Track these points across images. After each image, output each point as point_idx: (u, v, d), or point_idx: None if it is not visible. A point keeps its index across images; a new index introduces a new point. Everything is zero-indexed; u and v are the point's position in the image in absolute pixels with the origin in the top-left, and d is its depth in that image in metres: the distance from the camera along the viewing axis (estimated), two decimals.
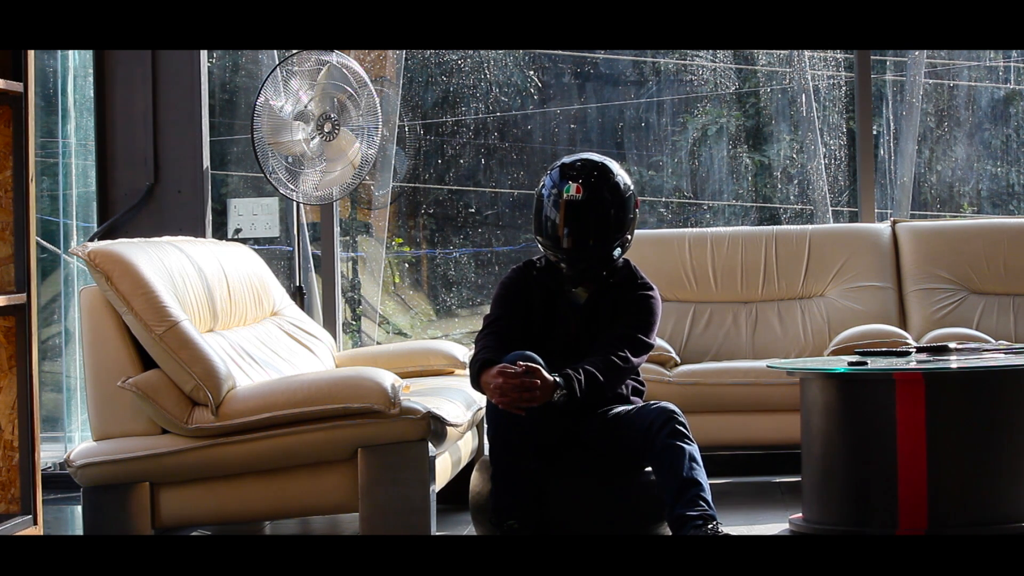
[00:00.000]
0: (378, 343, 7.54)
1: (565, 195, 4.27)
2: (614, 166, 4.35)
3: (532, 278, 4.40)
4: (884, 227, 6.11)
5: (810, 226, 6.19)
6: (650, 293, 4.39)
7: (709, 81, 7.77)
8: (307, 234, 6.71)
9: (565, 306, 4.37)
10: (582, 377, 4.12)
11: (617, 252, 4.34)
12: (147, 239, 4.68)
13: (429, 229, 7.89)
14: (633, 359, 4.27)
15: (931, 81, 7.79)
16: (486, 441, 4.36)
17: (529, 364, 4.07)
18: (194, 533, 4.67)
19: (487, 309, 4.43)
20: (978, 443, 4.45)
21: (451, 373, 5.42)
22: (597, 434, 4.31)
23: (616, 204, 4.29)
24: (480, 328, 4.35)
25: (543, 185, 4.34)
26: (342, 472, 4.28)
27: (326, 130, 5.66)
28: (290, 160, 5.71)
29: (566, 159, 4.37)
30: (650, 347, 4.34)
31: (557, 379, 4.09)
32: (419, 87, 7.67)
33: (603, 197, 4.27)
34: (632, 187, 4.37)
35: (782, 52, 7.69)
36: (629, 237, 4.36)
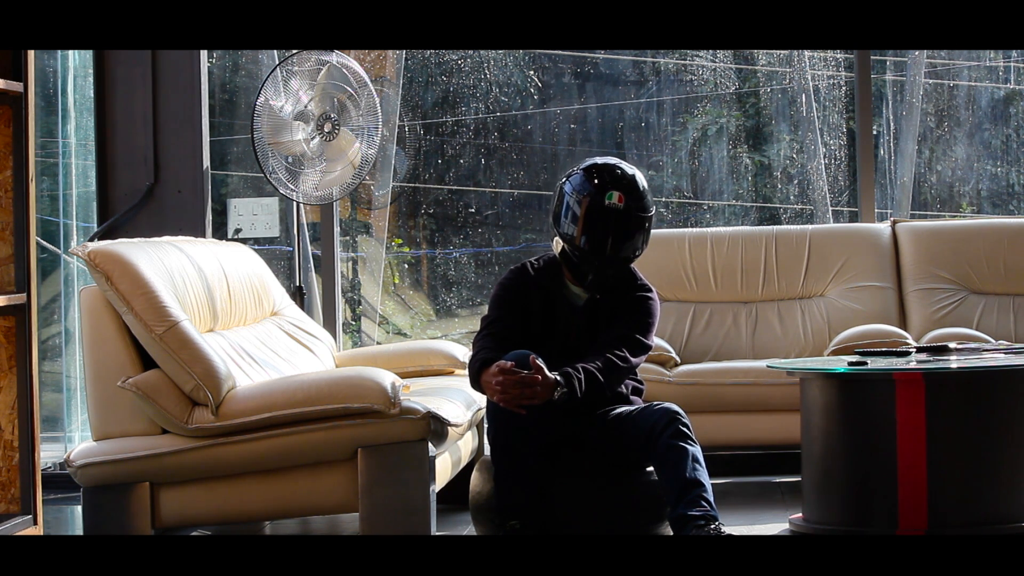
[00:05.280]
0: (378, 343, 7.54)
1: (607, 202, 4.26)
2: (643, 180, 4.35)
3: (530, 279, 4.39)
4: (884, 227, 6.11)
5: (810, 226, 6.19)
6: (649, 295, 4.39)
7: (709, 81, 7.77)
8: (307, 234, 6.71)
9: (564, 307, 4.37)
10: (582, 376, 4.12)
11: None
12: (147, 239, 4.67)
13: (429, 229, 7.89)
14: (632, 359, 4.27)
15: (931, 81, 7.79)
16: (486, 441, 4.36)
17: (532, 361, 4.07)
18: (194, 533, 4.67)
19: (487, 309, 4.42)
20: (978, 443, 4.45)
21: (451, 373, 5.42)
22: (599, 434, 4.31)
23: (648, 218, 4.30)
24: (478, 330, 4.35)
25: (574, 186, 4.30)
26: (342, 472, 4.28)
27: (326, 130, 5.66)
28: (290, 160, 5.71)
29: (599, 161, 4.34)
30: (648, 348, 4.34)
31: (557, 377, 4.09)
32: (419, 87, 7.67)
33: (640, 209, 4.28)
34: (653, 201, 4.38)
35: (782, 52, 7.69)
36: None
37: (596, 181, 4.27)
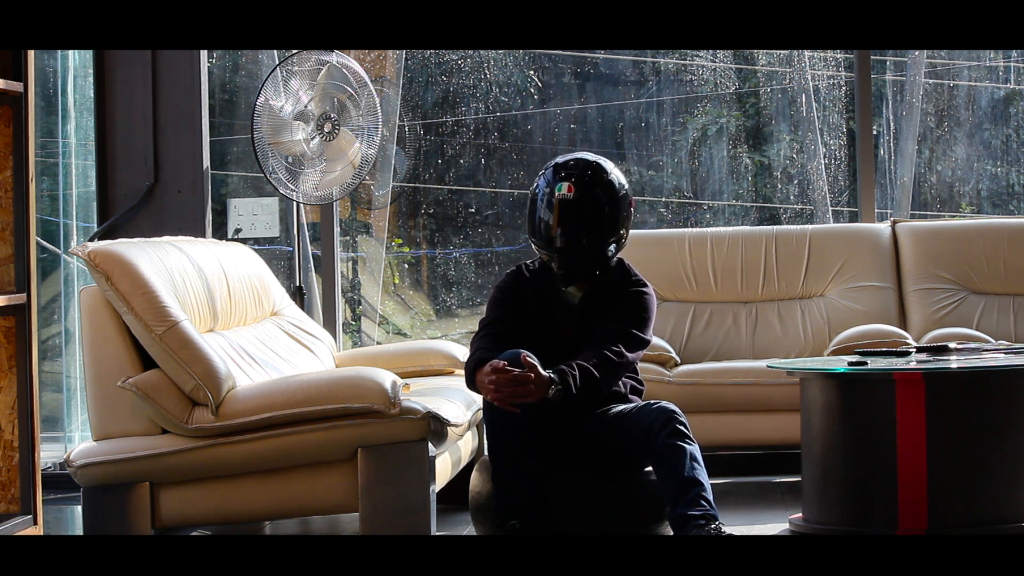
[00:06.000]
0: (378, 343, 7.54)
1: (557, 194, 4.27)
2: (607, 164, 4.35)
3: (526, 280, 4.40)
4: (884, 227, 6.11)
5: (810, 226, 6.19)
6: (644, 289, 4.38)
7: (709, 81, 7.77)
8: (307, 234, 6.71)
9: (560, 307, 4.37)
10: (576, 372, 4.12)
11: (612, 249, 4.33)
12: (147, 239, 4.67)
13: (429, 229, 7.89)
14: (628, 354, 4.26)
15: (931, 81, 7.79)
16: (486, 441, 4.36)
17: (525, 359, 4.07)
18: (194, 533, 4.67)
19: (484, 312, 4.43)
20: (978, 443, 4.45)
21: (451, 373, 5.42)
22: (597, 434, 4.31)
23: (609, 203, 4.29)
24: (475, 331, 4.35)
25: (536, 186, 4.35)
26: (342, 472, 4.28)
27: (326, 130, 5.66)
28: (290, 160, 5.71)
29: (559, 159, 4.37)
30: (645, 343, 4.33)
31: (551, 375, 4.08)
32: (419, 87, 7.67)
33: (596, 195, 4.27)
34: (626, 186, 4.36)
35: (782, 52, 7.69)
36: (624, 235, 4.36)
37: (550, 178, 4.30)
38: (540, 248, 4.32)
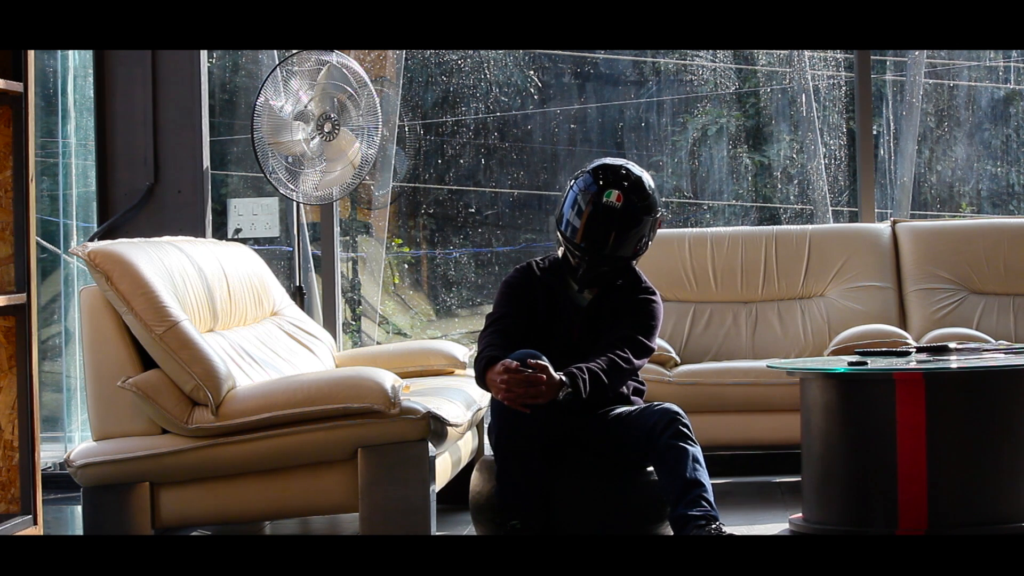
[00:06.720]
0: (378, 343, 7.54)
1: (605, 199, 4.27)
2: (650, 182, 4.36)
3: (536, 278, 4.40)
4: (884, 227, 6.11)
5: (810, 226, 6.19)
6: (653, 298, 4.40)
7: (709, 81, 7.77)
8: (307, 234, 6.71)
9: (568, 307, 4.38)
10: (587, 376, 4.13)
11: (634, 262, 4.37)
12: (147, 239, 4.67)
13: (429, 229, 7.89)
14: (635, 361, 4.28)
15: (931, 81, 7.79)
16: (486, 441, 4.36)
17: (537, 362, 4.08)
18: (194, 533, 4.67)
19: (487, 309, 4.43)
20: (978, 443, 4.45)
21: (451, 373, 5.42)
22: (600, 434, 4.31)
23: (647, 220, 4.30)
24: (483, 326, 4.36)
25: (578, 182, 4.34)
26: (342, 472, 4.28)
27: (326, 130, 5.66)
28: (290, 160, 5.71)
29: (608, 161, 4.37)
30: (651, 351, 4.35)
31: (562, 377, 4.09)
32: (419, 87, 7.67)
33: (638, 210, 4.29)
34: (659, 204, 4.38)
35: (782, 52, 7.69)
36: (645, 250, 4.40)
37: (599, 180, 4.29)
38: (569, 245, 4.31)
